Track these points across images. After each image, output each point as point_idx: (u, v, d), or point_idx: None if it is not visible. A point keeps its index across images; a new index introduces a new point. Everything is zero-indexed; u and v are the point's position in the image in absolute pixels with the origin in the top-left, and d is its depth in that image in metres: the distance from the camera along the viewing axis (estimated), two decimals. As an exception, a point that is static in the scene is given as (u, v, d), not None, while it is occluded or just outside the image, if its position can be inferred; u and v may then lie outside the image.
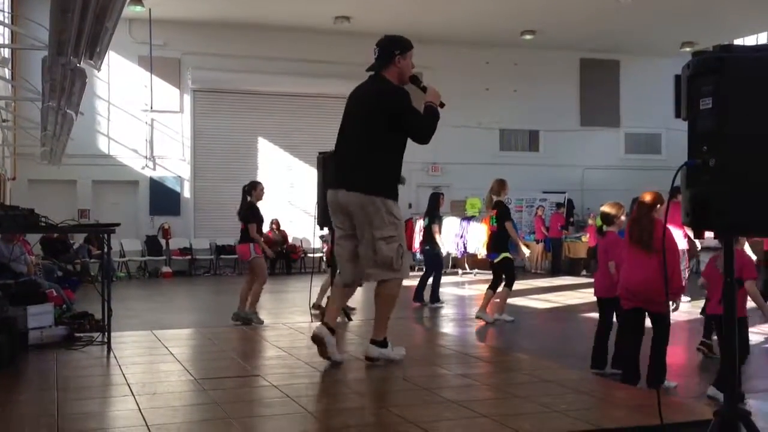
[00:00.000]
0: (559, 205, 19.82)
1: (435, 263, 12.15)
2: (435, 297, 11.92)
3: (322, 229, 9.36)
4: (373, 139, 5.04)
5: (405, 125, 5.03)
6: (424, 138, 5.11)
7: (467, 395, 4.31)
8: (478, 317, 10.05)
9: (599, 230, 7.07)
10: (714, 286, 6.10)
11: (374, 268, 5.09)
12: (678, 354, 7.60)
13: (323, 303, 9.24)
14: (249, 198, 9.48)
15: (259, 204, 9.60)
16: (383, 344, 5.19)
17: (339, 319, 8.24)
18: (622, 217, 6.72)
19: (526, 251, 10.87)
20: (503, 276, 9.99)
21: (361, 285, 5.45)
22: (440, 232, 12.31)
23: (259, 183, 9.69)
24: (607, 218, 6.73)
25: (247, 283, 9.58)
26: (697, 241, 10.97)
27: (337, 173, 5.26)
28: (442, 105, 5.19)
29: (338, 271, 5.50)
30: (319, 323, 5.30)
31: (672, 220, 9.33)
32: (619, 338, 6.42)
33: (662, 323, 5.90)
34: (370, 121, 5.05)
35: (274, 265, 17.82)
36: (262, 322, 9.10)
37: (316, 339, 5.09)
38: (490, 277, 10.27)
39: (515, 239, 10.06)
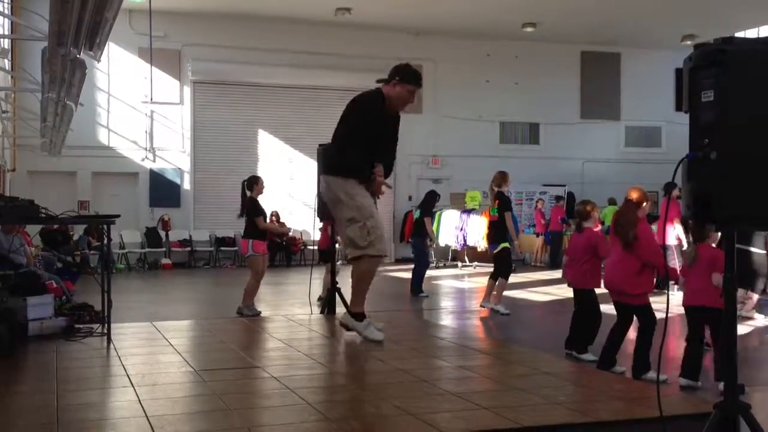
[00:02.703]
0: (558, 198, 19.80)
1: (419, 255, 12.42)
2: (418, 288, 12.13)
3: (322, 221, 9.37)
4: (337, 136, 5.49)
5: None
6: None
7: (466, 387, 4.32)
8: (482, 306, 10.14)
9: (578, 226, 7.22)
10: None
11: (348, 247, 5.43)
12: (674, 347, 7.60)
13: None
14: (250, 193, 9.47)
15: (259, 196, 9.61)
16: (358, 318, 5.50)
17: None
18: (596, 213, 7.11)
19: (517, 246, 11.09)
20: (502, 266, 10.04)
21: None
22: (432, 225, 12.72)
23: (260, 178, 9.68)
24: (581, 214, 7.03)
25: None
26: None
27: None
28: (374, 194, 5.39)
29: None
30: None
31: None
32: (573, 322, 6.99)
33: (643, 315, 6.04)
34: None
35: (274, 257, 17.81)
36: (257, 314, 9.09)
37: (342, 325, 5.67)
38: (491, 269, 10.30)
39: (512, 231, 10.12)
